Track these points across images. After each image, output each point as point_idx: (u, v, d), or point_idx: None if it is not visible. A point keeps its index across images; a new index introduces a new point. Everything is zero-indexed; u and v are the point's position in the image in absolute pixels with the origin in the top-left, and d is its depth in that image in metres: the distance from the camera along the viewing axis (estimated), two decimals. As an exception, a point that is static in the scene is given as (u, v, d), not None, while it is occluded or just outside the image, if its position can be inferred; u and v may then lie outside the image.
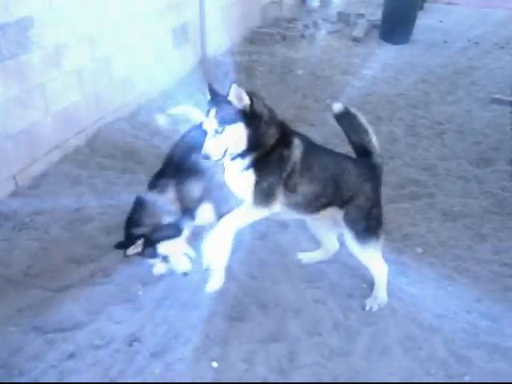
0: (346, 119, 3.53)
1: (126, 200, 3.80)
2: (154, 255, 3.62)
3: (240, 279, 3.86)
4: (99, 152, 5.67)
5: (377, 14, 12.13)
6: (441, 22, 13.28)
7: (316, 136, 6.28)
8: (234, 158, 3.16)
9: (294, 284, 3.85)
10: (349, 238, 3.48)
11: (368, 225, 3.45)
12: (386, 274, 3.65)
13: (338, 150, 5.84)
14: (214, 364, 3.16)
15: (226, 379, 3.07)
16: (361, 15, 12.93)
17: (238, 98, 3.07)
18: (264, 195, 3.21)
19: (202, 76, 8.44)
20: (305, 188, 3.33)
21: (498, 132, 6.58)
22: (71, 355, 3.18)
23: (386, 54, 10.45)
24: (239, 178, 3.22)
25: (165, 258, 3.66)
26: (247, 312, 3.56)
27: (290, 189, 3.29)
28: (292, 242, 4.32)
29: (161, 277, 3.84)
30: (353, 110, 3.51)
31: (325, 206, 3.45)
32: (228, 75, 8.60)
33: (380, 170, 3.57)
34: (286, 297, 3.71)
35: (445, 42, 11.44)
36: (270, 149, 3.18)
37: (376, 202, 3.50)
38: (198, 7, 8.79)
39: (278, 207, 3.27)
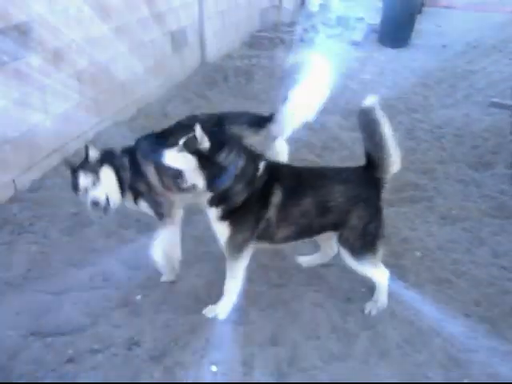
0: (367, 120, 3.23)
1: (125, 203, 3.80)
2: None
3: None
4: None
5: (376, 18, 12.17)
6: (439, 26, 13.34)
7: (315, 140, 6.36)
8: (210, 205, 3.23)
9: (293, 288, 3.85)
10: (345, 256, 3.42)
11: (364, 242, 3.36)
12: (387, 280, 3.60)
13: (336, 155, 5.94)
14: (214, 368, 3.16)
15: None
16: (360, 19, 12.98)
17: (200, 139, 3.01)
18: (237, 249, 3.33)
19: (201, 80, 8.46)
20: (284, 232, 3.35)
21: (496, 135, 6.58)
22: (70, 359, 3.18)
23: (384, 58, 10.49)
24: (216, 227, 3.30)
25: None
26: (246, 316, 3.56)
27: (265, 239, 3.37)
28: (291, 246, 4.31)
29: (159, 281, 3.85)
30: (379, 116, 3.21)
31: (317, 233, 3.48)
32: (227, 79, 8.62)
33: (381, 185, 3.35)
34: (285, 300, 3.71)
35: (443, 45, 11.49)
36: (242, 204, 3.19)
37: (373, 218, 3.34)
38: (197, 11, 8.83)
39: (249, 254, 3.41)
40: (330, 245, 3.90)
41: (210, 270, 3.97)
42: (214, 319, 3.52)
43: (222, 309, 3.51)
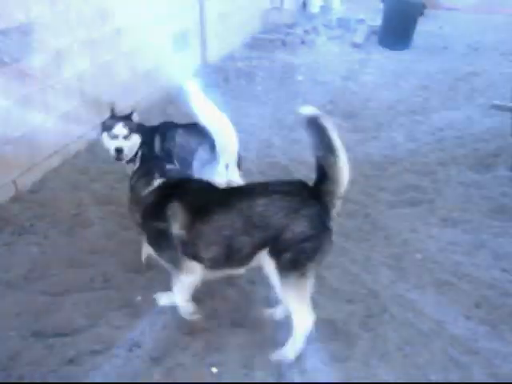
0: (314, 129, 2.92)
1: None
2: None
3: (240, 285, 3.86)
4: (99, 157, 5.65)
5: (377, 20, 12.17)
6: (441, 27, 13.33)
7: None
8: None
9: (294, 289, 3.84)
10: (270, 267, 3.00)
11: (293, 258, 2.91)
12: (307, 327, 3.12)
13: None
14: (214, 369, 3.15)
15: (226, 385, 3.08)
16: (361, 21, 13.00)
17: None
18: (172, 264, 3.23)
19: (202, 81, 8.46)
20: (209, 253, 3.07)
21: (497, 138, 6.58)
22: (71, 360, 3.17)
23: (385, 60, 10.49)
24: None
25: None
26: (247, 318, 3.56)
27: (196, 259, 3.13)
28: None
29: (160, 283, 3.84)
30: (324, 121, 2.90)
31: (252, 254, 3.05)
32: (228, 81, 8.63)
33: (331, 202, 2.96)
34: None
35: (445, 47, 11.49)
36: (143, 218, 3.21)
37: (312, 238, 2.91)
38: (198, 13, 8.84)
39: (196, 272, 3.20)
40: None
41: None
42: (214, 320, 3.52)
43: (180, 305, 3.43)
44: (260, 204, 2.92)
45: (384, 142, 6.51)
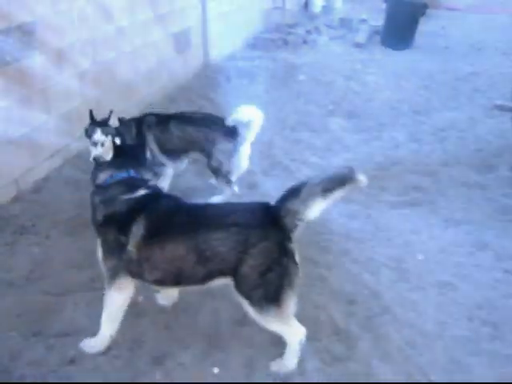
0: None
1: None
2: None
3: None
4: (101, 157, 5.66)
5: (379, 20, 12.16)
6: (443, 27, 13.31)
7: (317, 142, 6.36)
8: None
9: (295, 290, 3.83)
10: (246, 307, 2.96)
11: (264, 293, 2.85)
12: (299, 340, 3.07)
13: (339, 157, 5.94)
14: (215, 370, 3.15)
15: (227, 385, 3.07)
16: (363, 21, 12.99)
17: None
18: (109, 273, 3.10)
19: (204, 81, 8.47)
20: (154, 274, 3.02)
21: (500, 138, 6.58)
22: (72, 360, 3.17)
23: (388, 60, 10.49)
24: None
25: None
26: (248, 317, 3.54)
27: (137, 276, 3.08)
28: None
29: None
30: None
31: (203, 281, 3.01)
32: (230, 80, 8.62)
33: (291, 220, 2.84)
34: (286, 302, 3.69)
35: (446, 47, 11.49)
36: (104, 221, 3.07)
37: (274, 266, 2.82)
38: (200, 13, 8.84)
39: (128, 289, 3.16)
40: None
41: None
42: (216, 319, 3.52)
43: (95, 343, 3.23)
44: (215, 238, 2.84)
45: (386, 142, 6.50)
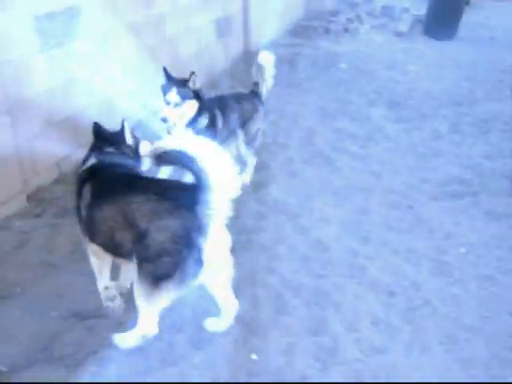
0: None
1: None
2: None
3: (282, 273, 3.86)
4: (145, 136, 5.69)
5: (422, 9, 11.96)
6: (488, 18, 13.06)
7: (358, 131, 6.31)
8: None
9: (335, 279, 3.82)
10: (133, 268, 2.93)
11: (152, 271, 2.81)
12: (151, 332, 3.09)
13: (380, 146, 5.88)
14: (254, 356, 3.16)
15: (265, 372, 3.06)
16: (405, 9, 12.80)
17: None
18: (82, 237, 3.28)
19: (244, 68, 8.45)
20: (99, 238, 3.13)
21: (545, 131, 6.45)
22: (110, 343, 3.18)
23: (430, 50, 10.34)
24: None
25: None
26: (288, 306, 3.56)
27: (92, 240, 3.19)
28: (333, 238, 4.30)
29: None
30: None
31: (124, 254, 3.06)
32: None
33: (206, 211, 2.70)
34: (326, 292, 3.69)
35: (491, 38, 11.25)
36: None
37: (173, 251, 2.75)
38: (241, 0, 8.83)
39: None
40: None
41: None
42: (256, 306, 3.52)
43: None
44: (134, 201, 2.86)
45: (427, 132, 6.42)
